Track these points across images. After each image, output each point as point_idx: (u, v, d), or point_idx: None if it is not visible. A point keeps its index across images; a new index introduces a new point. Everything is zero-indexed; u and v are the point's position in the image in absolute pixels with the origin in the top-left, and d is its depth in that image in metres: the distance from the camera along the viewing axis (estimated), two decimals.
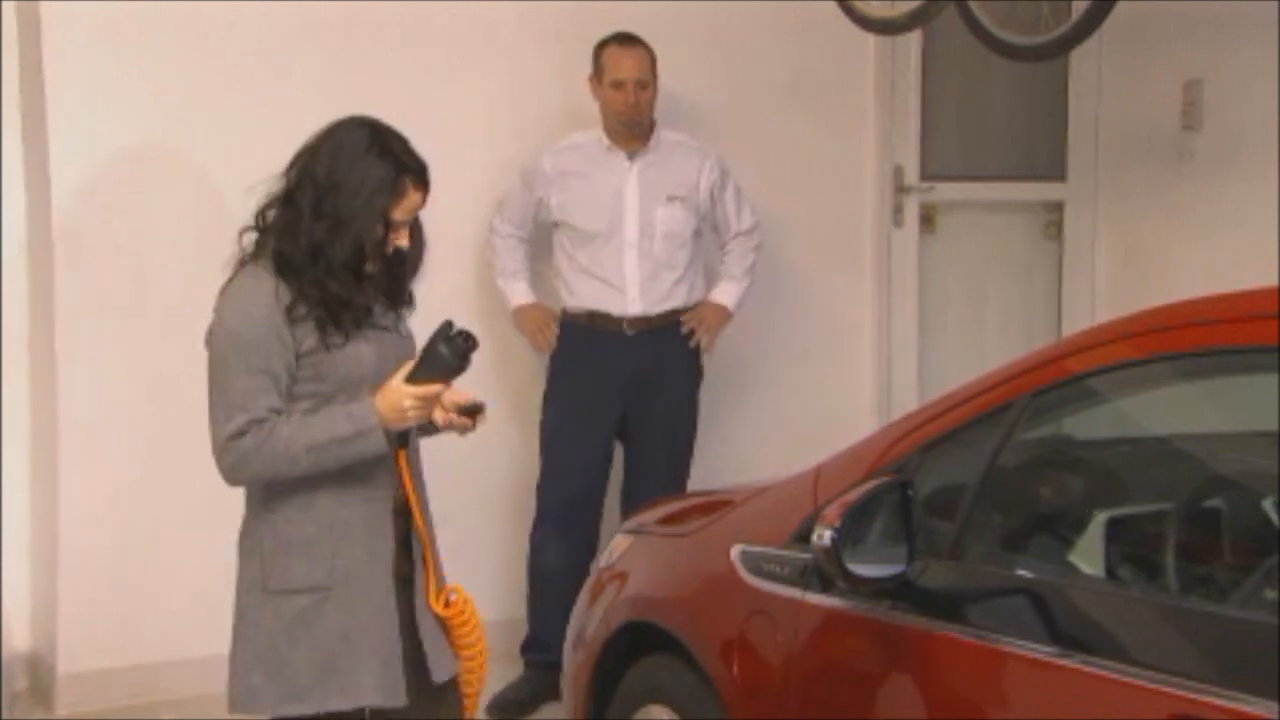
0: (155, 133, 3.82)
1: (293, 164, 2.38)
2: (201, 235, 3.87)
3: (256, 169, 4.09)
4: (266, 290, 2.30)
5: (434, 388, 2.29)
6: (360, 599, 2.33)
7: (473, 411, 2.39)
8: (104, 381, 3.79)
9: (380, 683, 2.33)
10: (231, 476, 2.33)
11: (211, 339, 2.34)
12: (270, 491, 2.34)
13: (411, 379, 2.29)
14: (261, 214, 2.39)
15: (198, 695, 3.56)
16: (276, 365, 2.28)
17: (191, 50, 3.83)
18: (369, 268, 2.36)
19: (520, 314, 3.96)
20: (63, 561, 3.79)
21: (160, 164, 3.84)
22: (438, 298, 4.09)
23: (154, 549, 3.83)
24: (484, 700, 3.75)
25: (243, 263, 2.39)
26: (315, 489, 2.32)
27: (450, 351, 2.29)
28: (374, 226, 2.33)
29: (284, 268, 2.31)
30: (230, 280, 2.38)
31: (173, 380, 3.84)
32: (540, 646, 3.83)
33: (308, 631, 2.30)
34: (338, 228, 2.30)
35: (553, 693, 3.52)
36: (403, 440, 2.37)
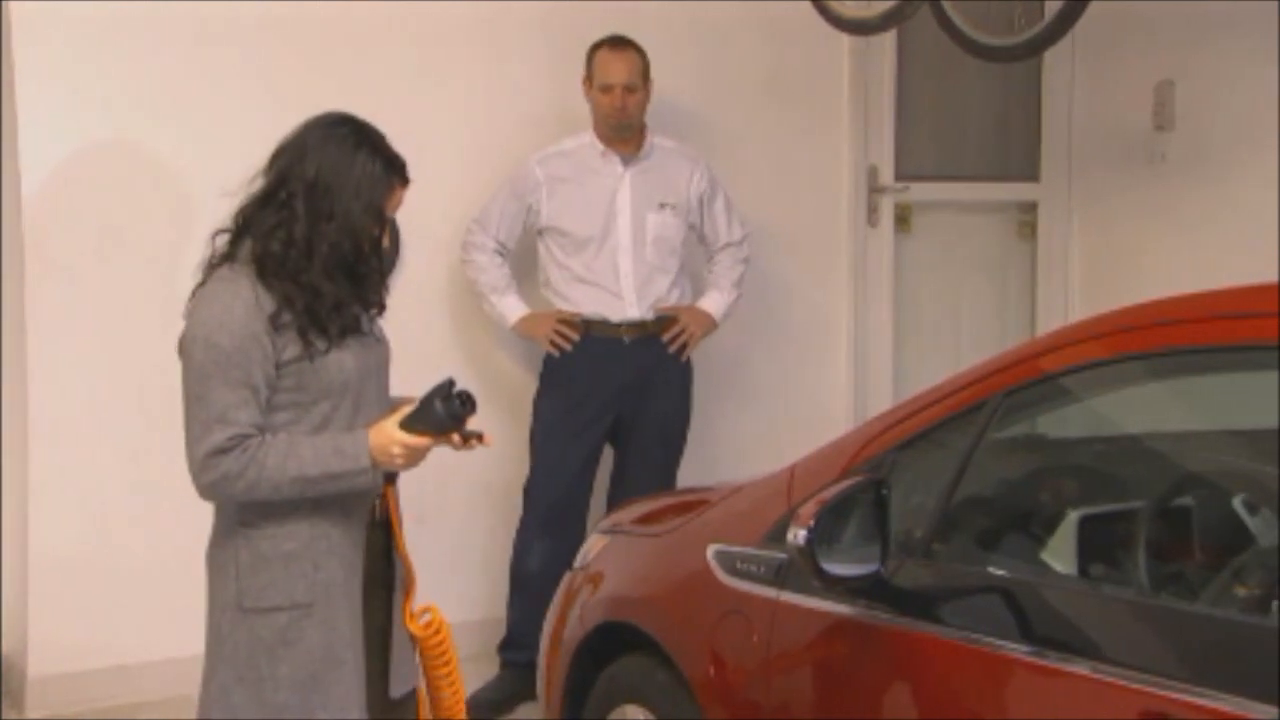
0: (126, 133, 3.80)
1: (272, 163, 2.31)
2: (174, 236, 3.86)
3: (231, 169, 4.07)
4: (246, 296, 2.22)
5: (423, 441, 2.26)
6: (341, 614, 2.29)
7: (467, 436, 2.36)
8: (75, 382, 3.77)
9: (361, 695, 2.32)
10: (209, 494, 2.25)
11: (187, 348, 2.24)
12: (246, 504, 2.28)
13: (404, 426, 2.26)
14: (238, 215, 2.32)
15: (176, 696, 3.54)
16: (257, 377, 2.21)
17: (166, 49, 3.80)
18: (364, 268, 2.32)
19: (525, 324, 3.93)
20: (33, 562, 3.77)
21: (131, 163, 3.81)
22: (419, 300, 4.12)
23: (126, 550, 3.81)
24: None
25: (214, 266, 2.31)
26: (295, 503, 2.26)
27: (445, 411, 2.27)
28: (372, 225, 2.30)
29: (268, 270, 2.24)
30: (203, 284, 2.29)
31: (145, 381, 3.83)
32: (518, 646, 3.83)
33: (289, 649, 2.26)
34: (337, 227, 2.25)
35: (529, 693, 3.51)
36: (390, 475, 2.35)
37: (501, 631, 3.97)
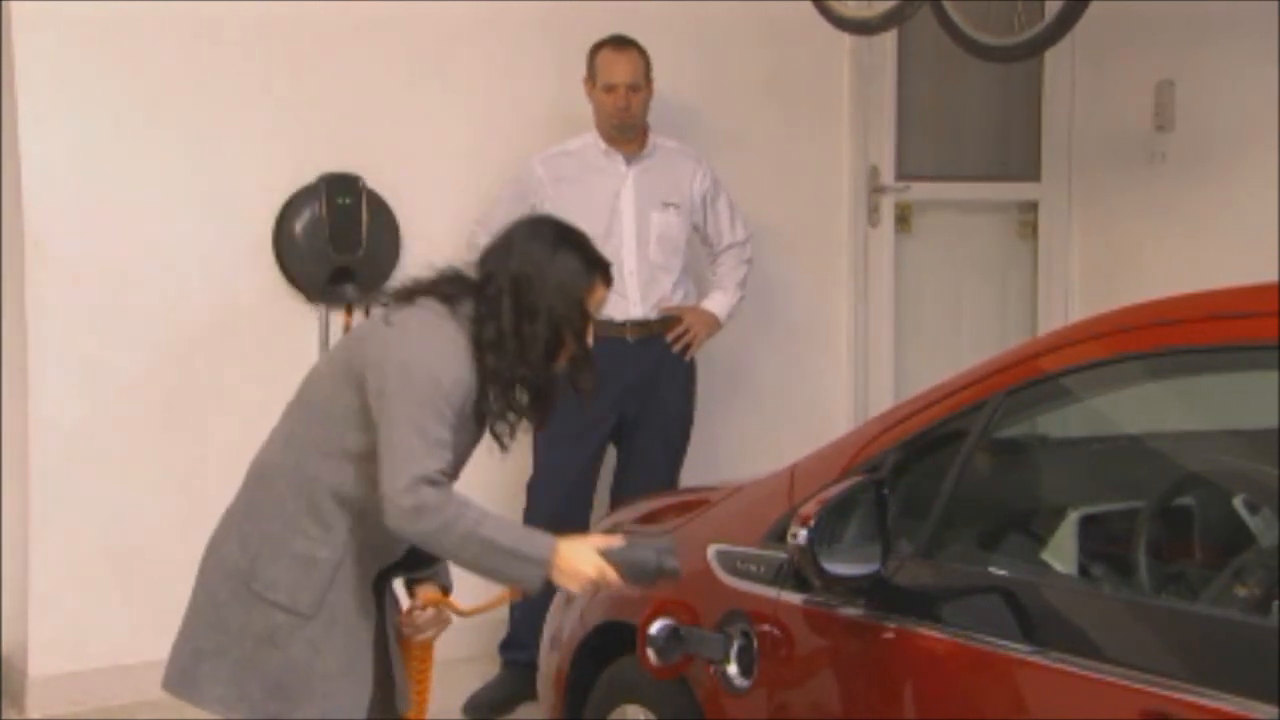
0: (127, 132, 3.79)
1: (483, 261, 2.36)
2: (174, 235, 3.87)
3: (231, 168, 4.08)
4: (464, 355, 2.26)
5: (613, 577, 2.25)
6: (333, 643, 2.28)
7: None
8: (75, 382, 3.77)
9: (332, 704, 2.30)
10: (405, 518, 2.19)
11: (405, 369, 2.22)
12: (308, 501, 2.28)
13: (607, 556, 2.25)
14: (457, 280, 2.35)
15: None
16: (454, 427, 2.25)
17: (166, 49, 3.81)
18: (563, 362, 2.36)
19: None
20: (33, 562, 3.77)
21: (132, 163, 3.81)
22: None
23: (127, 550, 3.81)
24: (460, 699, 3.77)
25: (424, 291, 2.33)
26: (343, 518, 2.27)
27: (655, 567, 2.25)
28: (572, 316, 2.34)
29: (480, 346, 2.28)
30: (411, 313, 2.29)
31: (145, 381, 3.83)
32: (519, 645, 3.83)
33: (275, 649, 2.26)
34: (542, 322, 2.30)
35: (529, 692, 3.51)
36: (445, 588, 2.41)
37: (502, 631, 3.97)
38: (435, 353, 2.25)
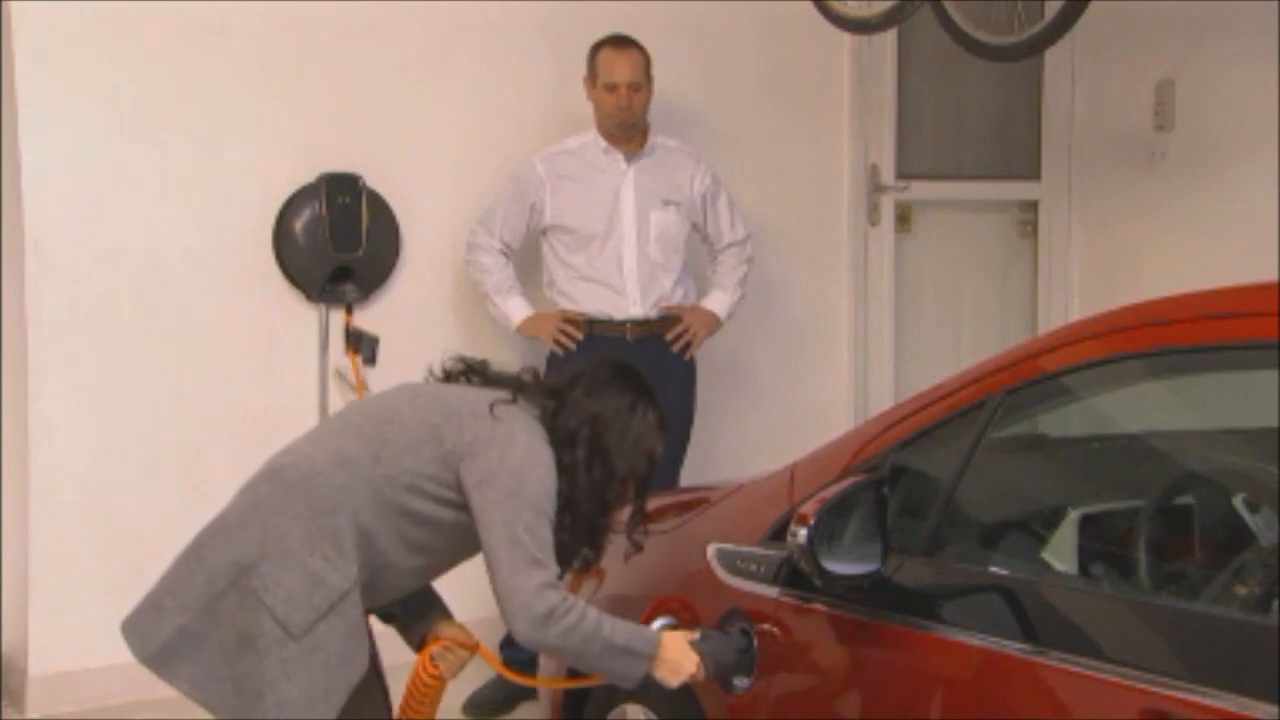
0: (126, 131, 3.80)
1: (569, 386, 2.38)
2: (176, 236, 3.87)
3: (230, 168, 4.08)
4: (554, 470, 2.30)
5: (700, 673, 2.29)
6: (309, 669, 2.24)
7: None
8: (75, 381, 3.77)
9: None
10: (535, 627, 2.25)
11: (516, 475, 2.26)
12: (335, 524, 2.26)
13: (698, 650, 2.29)
14: (537, 388, 2.39)
15: (175, 696, 3.52)
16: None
17: (166, 48, 3.81)
18: (619, 510, 2.41)
19: (530, 324, 3.93)
20: (33, 562, 3.77)
21: (131, 162, 3.82)
22: (422, 300, 4.13)
23: (127, 549, 3.81)
24: (461, 698, 3.77)
25: (499, 382, 2.38)
26: (358, 556, 2.26)
27: (733, 668, 2.29)
28: (641, 468, 2.39)
29: (559, 468, 2.31)
30: (517, 415, 2.31)
31: (145, 380, 3.83)
32: (520, 644, 3.82)
33: (252, 654, 2.23)
34: (611, 460, 2.33)
35: (530, 691, 3.52)
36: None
37: (502, 629, 3.93)
38: (544, 463, 2.28)
